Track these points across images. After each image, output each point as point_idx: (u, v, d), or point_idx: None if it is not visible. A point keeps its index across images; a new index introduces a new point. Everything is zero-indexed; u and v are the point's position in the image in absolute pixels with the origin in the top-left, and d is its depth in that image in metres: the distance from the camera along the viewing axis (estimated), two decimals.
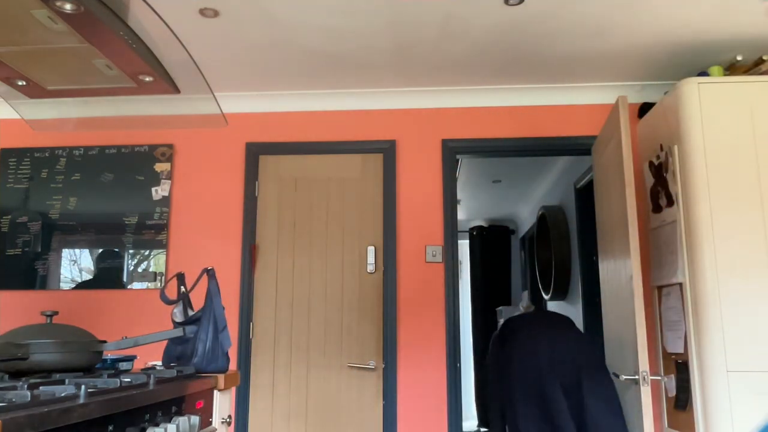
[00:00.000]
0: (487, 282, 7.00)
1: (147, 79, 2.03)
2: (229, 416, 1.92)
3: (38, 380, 1.39)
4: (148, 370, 1.78)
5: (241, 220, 3.50)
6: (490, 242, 7.13)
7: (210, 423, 1.82)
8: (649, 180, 3.04)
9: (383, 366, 3.29)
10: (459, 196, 6.15)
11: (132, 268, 3.50)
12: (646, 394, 2.39)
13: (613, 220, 2.91)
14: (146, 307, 3.42)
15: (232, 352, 3.36)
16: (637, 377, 2.45)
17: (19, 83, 2.04)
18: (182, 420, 1.52)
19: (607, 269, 3.11)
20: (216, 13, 2.62)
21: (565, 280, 5.19)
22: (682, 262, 2.63)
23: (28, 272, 3.49)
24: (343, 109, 3.58)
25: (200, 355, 1.91)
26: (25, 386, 1.23)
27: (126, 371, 1.86)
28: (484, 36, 2.88)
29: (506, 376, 2.87)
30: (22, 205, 3.56)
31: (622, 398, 2.75)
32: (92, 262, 3.51)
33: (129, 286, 3.48)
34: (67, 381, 1.36)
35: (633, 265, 2.50)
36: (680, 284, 2.67)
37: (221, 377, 1.87)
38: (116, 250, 3.50)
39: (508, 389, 2.83)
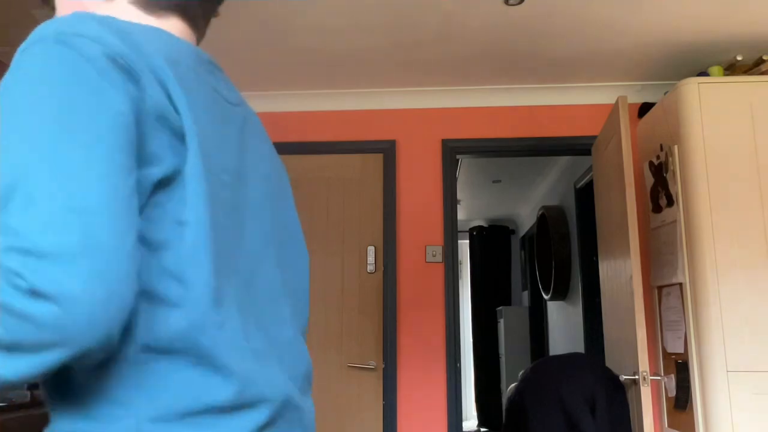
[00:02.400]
0: (487, 282, 7.01)
1: None
2: None
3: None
4: None
5: None
6: (490, 242, 7.13)
7: None
8: (649, 180, 3.04)
9: (383, 366, 3.29)
10: (459, 196, 6.15)
11: None
12: (646, 394, 2.38)
13: (613, 220, 2.91)
14: None
15: None
16: (637, 377, 2.45)
17: None
18: None
19: (607, 269, 3.11)
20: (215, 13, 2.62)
21: (565, 280, 5.19)
22: (682, 262, 2.63)
23: None
24: (343, 109, 3.58)
25: None
26: (25, 386, 1.23)
27: None
28: (484, 36, 2.88)
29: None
30: None
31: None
32: None
33: None
34: None
35: (633, 265, 2.50)
36: (680, 284, 2.67)
37: None
38: None
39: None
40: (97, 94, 0.60)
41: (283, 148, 3.57)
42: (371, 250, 3.43)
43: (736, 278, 2.49)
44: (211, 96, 0.76)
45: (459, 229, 3.56)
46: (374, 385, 3.30)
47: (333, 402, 3.30)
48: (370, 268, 3.41)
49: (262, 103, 3.59)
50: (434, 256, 3.39)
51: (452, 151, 3.51)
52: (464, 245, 7.24)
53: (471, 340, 7.01)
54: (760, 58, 2.91)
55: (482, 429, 6.50)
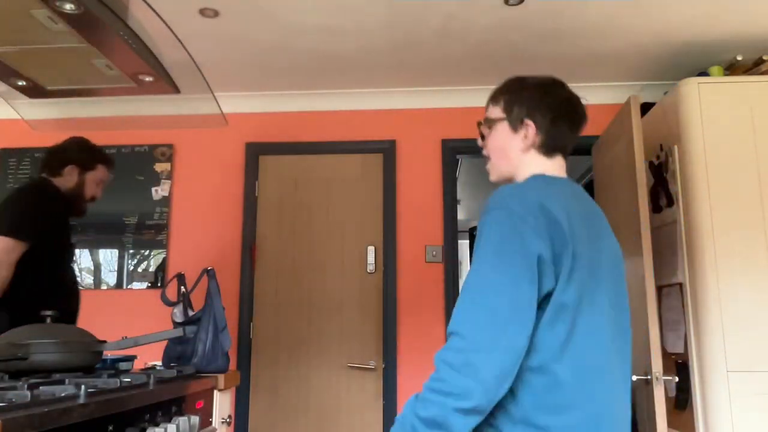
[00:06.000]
0: None
1: (147, 79, 2.03)
2: (229, 416, 1.92)
3: (38, 380, 1.38)
4: (148, 370, 1.78)
5: (241, 220, 3.50)
6: None
7: (210, 423, 1.82)
8: (649, 180, 3.04)
9: (383, 366, 3.29)
10: (459, 196, 6.14)
11: (132, 268, 3.50)
12: (659, 394, 2.36)
13: (617, 220, 2.90)
14: (146, 307, 3.42)
15: (232, 352, 3.36)
16: (648, 377, 2.43)
17: (19, 83, 2.04)
18: (182, 420, 1.52)
19: None
20: (216, 13, 2.62)
21: None
22: (682, 262, 2.63)
23: None
24: (343, 109, 3.58)
25: (200, 355, 1.91)
26: (25, 386, 1.23)
27: (126, 371, 1.86)
28: (484, 36, 2.88)
29: None
30: None
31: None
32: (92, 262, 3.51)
33: (129, 286, 3.48)
34: (67, 381, 1.36)
35: (645, 265, 2.46)
36: (680, 284, 2.67)
37: (221, 377, 1.87)
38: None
39: None
40: (520, 239, 1.13)
41: (284, 148, 3.57)
42: (371, 250, 3.43)
43: (736, 278, 2.49)
44: (584, 221, 1.19)
45: (459, 229, 3.56)
46: (374, 385, 3.30)
47: (333, 402, 3.30)
48: (370, 268, 3.41)
49: (263, 103, 3.59)
50: (434, 256, 3.39)
51: (452, 151, 3.51)
52: (464, 245, 7.23)
53: None
54: (760, 58, 2.91)
55: None
